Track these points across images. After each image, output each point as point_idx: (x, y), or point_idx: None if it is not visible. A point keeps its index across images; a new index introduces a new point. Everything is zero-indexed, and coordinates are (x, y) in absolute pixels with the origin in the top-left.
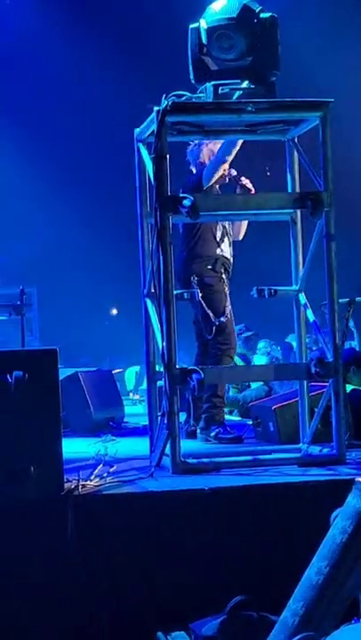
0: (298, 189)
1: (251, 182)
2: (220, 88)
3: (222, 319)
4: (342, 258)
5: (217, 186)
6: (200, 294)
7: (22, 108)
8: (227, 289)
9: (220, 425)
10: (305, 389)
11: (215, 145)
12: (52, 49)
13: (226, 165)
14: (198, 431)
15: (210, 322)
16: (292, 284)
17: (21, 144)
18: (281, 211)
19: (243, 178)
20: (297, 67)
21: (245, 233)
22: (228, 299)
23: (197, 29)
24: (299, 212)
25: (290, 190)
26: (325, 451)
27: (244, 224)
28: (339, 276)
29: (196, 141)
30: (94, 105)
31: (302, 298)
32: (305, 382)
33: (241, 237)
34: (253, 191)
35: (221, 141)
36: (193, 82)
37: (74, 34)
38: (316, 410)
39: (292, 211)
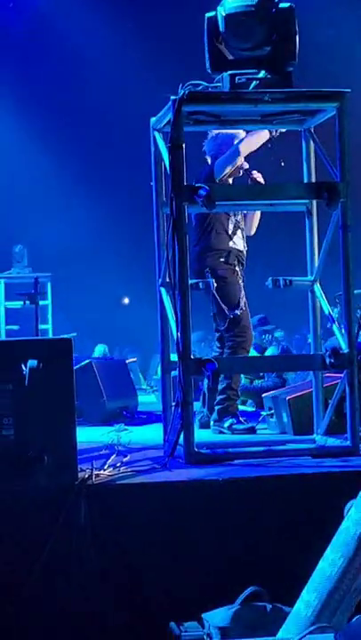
0: (314, 180)
1: (265, 173)
2: (237, 78)
3: (237, 312)
4: (356, 248)
5: (230, 179)
6: (215, 286)
7: (38, 95)
8: (241, 281)
9: (233, 416)
10: (319, 380)
11: (237, 139)
12: (71, 34)
13: (240, 159)
14: (211, 423)
15: (224, 314)
16: (307, 274)
17: (38, 134)
18: (297, 201)
19: (254, 172)
20: (315, 57)
21: (258, 227)
22: (243, 291)
23: (215, 18)
24: (315, 202)
25: (306, 181)
26: (339, 442)
27: (256, 219)
28: (354, 267)
29: (214, 133)
30: (112, 94)
31: (317, 289)
32: (319, 373)
33: (253, 232)
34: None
35: (240, 136)
36: (209, 71)
37: (92, 19)
38: (330, 401)
39: (307, 201)
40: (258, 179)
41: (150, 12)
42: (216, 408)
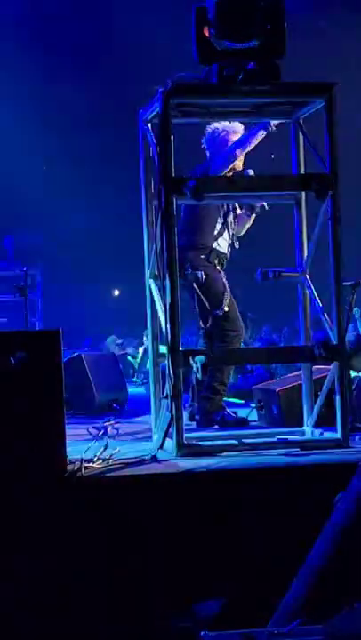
0: (303, 171)
1: (254, 164)
2: (225, 69)
3: (218, 312)
4: (345, 240)
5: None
6: (199, 282)
7: (31, 85)
8: (224, 279)
9: (223, 409)
10: (309, 372)
11: (235, 135)
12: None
13: (238, 162)
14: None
15: (206, 312)
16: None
17: (26, 124)
18: (286, 192)
19: (250, 171)
20: (302, 50)
21: (247, 231)
22: (228, 288)
23: (203, 9)
24: (303, 194)
25: (295, 172)
26: (329, 434)
27: (249, 222)
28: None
29: (211, 128)
30: (101, 85)
31: (307, 280)
32: (309, 365)
33: (242, 233)
34: None
35: (237, 129)
36: (197, 62)
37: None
38: (319, 393)
39: (296, 193)
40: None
41: (139, 4)
42: (204, 402)
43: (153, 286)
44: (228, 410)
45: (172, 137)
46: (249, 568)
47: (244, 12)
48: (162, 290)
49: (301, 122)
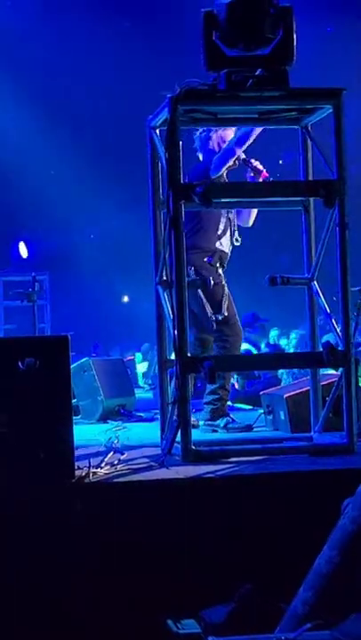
0: (311, 178)
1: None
2: (233, 75)
3: (218, 316)
4: (353, 246)
5: (225, 173)
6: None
7: (38, 96)
8: (224, 281)
9: (226, 415)
10: (317, 378)
11: (225, 132)
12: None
13: (235, 157)
14: (202, 422)
15: (206, 315)
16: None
17: (44, 130)
18: (294, 199)
19: (253, 160)
20: (311, 56)
21: (255, 220)
22: (226, 291)
23: (212, 15)
24: (312, 200)
25: (303, 178)
26: (336, 440)
27: (254, 211)
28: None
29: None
30: (109, 92)
31: (315, 286)
32: (317, 371)
33: (250, 224)
34: (265, 172)
35: (233, 129)
36: (206, 68)
37: (90, 17)
38: (327, 399)
39: (304, 199)
40: (258, 167)
41: (151, 9)
42: (208, 408)
43: (161, 292)
44: (232, 415)
45: (180, 143)
46: (257, 573)
47: (255, 17)
48: (170, 295)
49: (310, 128)
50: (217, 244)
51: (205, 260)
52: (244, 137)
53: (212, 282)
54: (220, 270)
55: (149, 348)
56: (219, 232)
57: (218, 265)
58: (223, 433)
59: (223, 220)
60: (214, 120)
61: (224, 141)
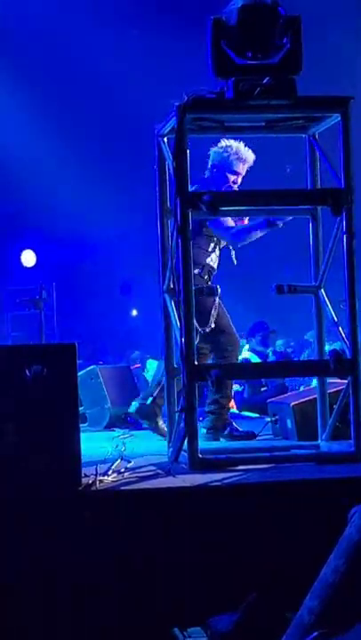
0: (318, 186)
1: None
2: (241, 84)
3: (206, 329)
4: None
5: None
6: None
7: (45, 100)
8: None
9: (229, 423)
10: (324, 386)
11: (239, 163)
12: (76, 36)
13: (238, 178)
14: (204, 430)
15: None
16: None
17: (52, 138)
18: (301, 207)
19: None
20: (319, 64)
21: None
22: (217, 302)
23: (219, 23)
24: (319, 208)
25: (310, 187)
26: (343, 448)
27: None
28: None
29: (224, 144)
30: (116, 99)
31: (322, 294)
32: (324, 379)
33: (239, 245)
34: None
35: (248, 162)
36: (213, 76)
37: (98, 25)
38: (335, 407)
39: (312, 207)
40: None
41: (158, 18)
42: (211, 417)
43: (168, 300)
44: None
45: (187, 151)
46: (263, 582)
47: (264, 26)
48: (177, 304)
49: (317, 136)
50: (207, 260)
51: (196, 272)
52: (245, 230)
53: (218, 290)
54: (209, 283)
55: (138, 357)
56: (209, 249)
57: (206, 278)
58: (226, 441)
59: (215, 238)
60: (222, 128)
61: (232, 172)
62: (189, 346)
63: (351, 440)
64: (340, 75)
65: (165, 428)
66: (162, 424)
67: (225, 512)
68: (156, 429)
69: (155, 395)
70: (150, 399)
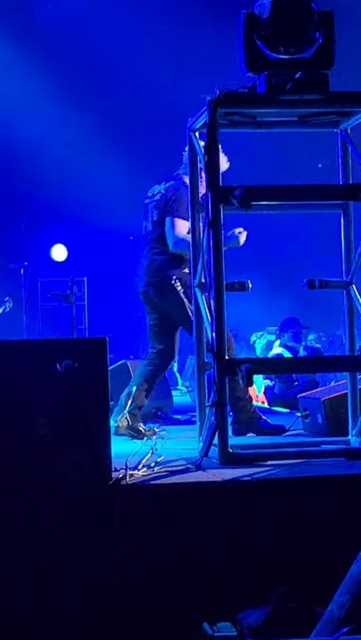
0: (350, 181)
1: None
2: (273, 78)
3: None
4: None
5: None
6: (183, 295)
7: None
8: None
9: (256, 416)
10: (355, 381)
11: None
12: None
13: (225, 164)
14: (234, 427)
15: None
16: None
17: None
18: (333, 202)
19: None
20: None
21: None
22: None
23: (252, 17)
24: (351, 203)
25: (341, 182)
26: None
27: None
28: None
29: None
30: (151, 97)
31: (353, 290)
32: (354, 375)
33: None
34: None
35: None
36: (245, 71)
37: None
38: None
39: (343, 202)
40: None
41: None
42: (238, 412)
43: (199, 295)
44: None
45: (219, 146)
46: (294, 577)
47: (297, 20)
48: (208, 298)
49: (349, 131)
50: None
51: (185, 271)
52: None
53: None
54: None
55: None
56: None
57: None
58: (255, 435)
59: None
60: (254, 123)
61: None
62: (220, 341)
63: None
64: None
65: (146, 430)
66: (142, 427)
67: (254, 507)
68: (139, 434)
69: (127, 409)
70: (122, 416)
